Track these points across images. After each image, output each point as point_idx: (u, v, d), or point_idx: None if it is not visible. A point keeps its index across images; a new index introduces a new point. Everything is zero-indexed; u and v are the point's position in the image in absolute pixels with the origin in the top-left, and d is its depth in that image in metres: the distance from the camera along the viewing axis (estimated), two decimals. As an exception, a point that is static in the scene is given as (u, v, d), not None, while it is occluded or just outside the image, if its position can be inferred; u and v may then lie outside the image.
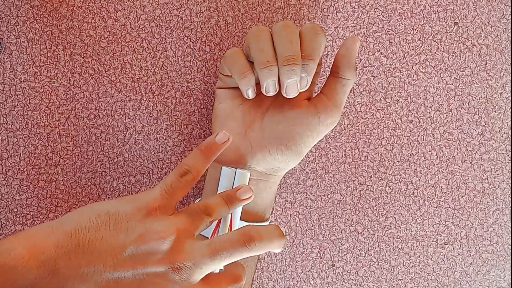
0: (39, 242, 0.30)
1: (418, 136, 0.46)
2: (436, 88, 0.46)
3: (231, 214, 0.38)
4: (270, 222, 0.46)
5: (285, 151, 0.39)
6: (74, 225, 0.31)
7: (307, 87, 0.36)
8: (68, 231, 0.31)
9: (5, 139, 0.45)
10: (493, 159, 0.46)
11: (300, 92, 0.38)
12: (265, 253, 0.46)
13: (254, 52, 0.36)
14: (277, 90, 0.36)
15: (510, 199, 0.47)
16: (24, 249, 0.29)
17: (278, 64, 0.35)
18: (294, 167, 0.46)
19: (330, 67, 0.40)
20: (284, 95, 0.36)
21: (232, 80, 0.39)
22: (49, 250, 0.30)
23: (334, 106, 0.39)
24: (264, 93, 0.37)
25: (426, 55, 0.46)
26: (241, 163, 0.40)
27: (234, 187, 0.39)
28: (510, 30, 0.46)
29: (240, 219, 0.39)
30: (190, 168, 0.35)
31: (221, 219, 0.38)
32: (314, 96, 0.40)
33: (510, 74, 0.46)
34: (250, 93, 0.37)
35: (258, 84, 0.38)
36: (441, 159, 0.46)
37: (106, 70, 0.45)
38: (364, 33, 0.46)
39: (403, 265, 0.47)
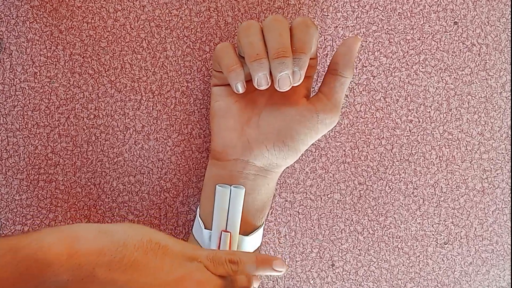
0: (82, 244, 0.29)
1: (418, 135, 0.46)
2: (436, 88, 0.46)
3: (230, 234, 0.39)
4: (270, 221, 0.46)
5: (282, 147, 0.39)
6: (124, 239, 0.30)
7: (300, 81, 0.36)
8: (116, 242, 0.29)
9: (5, 139, 0.45)
10: (492, 159, 0.46)
11: (296, 88, 0.38)
12: (265, 252, 0.46)
13: (244, 46, 0.36)
14: (269, 84, 0.36)
15: (509, 199, 0.47)
16: (64, 247, 0.28)
17: (269, 57, 0.35)
18: (294, 167, 0.46)
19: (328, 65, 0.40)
20: (277, 89, 0.36)
21: (225, 76, 0.39)
22: (91, 255, 0.28)
23: (333, 105, 0.39)
24: (256, 87, 0.36)
25: (426, 55, 0.46)
26: (239, 159, 0.40)
27: (230, 204, 0.39)
28: (509, 30, 0.46)
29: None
30: (240, 263, 0.34)
31: (220, 239, 0.39)
32: (313, 94, 0.40)
33: (510, 74, 0.46)
34: (240, 88, 0.37)
35: (250, 81, 0.38)
36: (441, 158, 0.46)
37: (106, 70, 0.45)
38: (363, 33, 0.46)
39: (403, 265, 0.47)
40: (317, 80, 0.46)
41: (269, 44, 0.36)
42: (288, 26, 0.36)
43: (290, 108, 0.39)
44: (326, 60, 0.46)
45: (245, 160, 0.40)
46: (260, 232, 0.41)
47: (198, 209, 0.42)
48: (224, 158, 0.40)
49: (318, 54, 0.44)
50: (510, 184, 0.46)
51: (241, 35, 0.36)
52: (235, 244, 0.39)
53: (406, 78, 0.46)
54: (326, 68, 0.46)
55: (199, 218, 0.41)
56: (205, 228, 0.40)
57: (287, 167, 0.46)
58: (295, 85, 0.36)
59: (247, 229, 0.40)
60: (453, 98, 0.46)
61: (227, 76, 0.37)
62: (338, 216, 0.46)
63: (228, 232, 0.39)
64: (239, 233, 0.40)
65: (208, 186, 0.41)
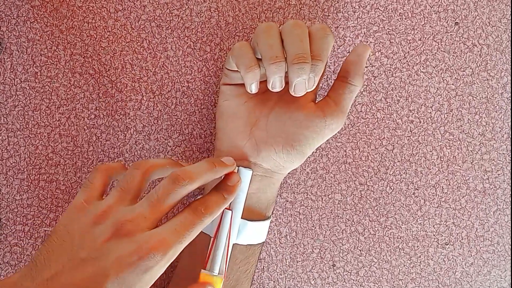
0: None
1: (419, 136, 0.46)
2: (437, 88, 0.46)
3: (231, 212, 0.38)
4: (270, 221, 0.46)
5: (290, 151, 0.39)
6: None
7: (314, 87, 0.36)
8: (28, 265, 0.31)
9: (5, 139, 0.45)
10: (494, 159, 0.46)
11: (306, 92, 0.38)
12: (266, 253, 0.46)
13: (263, 47, 0.36)
14: (283, 87, 0.37)
15: (510, 199, 0.46)
16: None
17: (288, 62, 0.35)
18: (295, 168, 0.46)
19: (338, 71, 0.40)
20: (292, 94, 0.36)
21: (237, 76, 0.39)
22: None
23: (341, 111, 0.39)
24: (270, 89, 0.37)
25: (427, 55, 0.46)
26: (246, 160, 0.40)
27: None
28: (510, 30, 0.46)
29: (242, 217, 0.39)
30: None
31: (221, 218, 0.39)
32: (320, 99, 0.40)
33: (511, 74, 0.46)
34: (254, 88, 0.37)
35: (262, 82, 0.38)
36: (442, 159, 0.46)
37: (107, 70, 0.45)
38: (364, 33, 0.45)
39: (404, 265, 0.47)
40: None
41: (289, 48, 0.36)
42: (307, 33, 0.36)
43: (299, 113, 0.39)
44: (327, 60, 0.45)
45: (252, 162, 0.40)
46: (265, 224, 0.41)
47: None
48: None
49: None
50: (511, 185, 0.46)
51: (260, 36, 0.36)
52: (236, 225, 0.39)
53: (407, 78, 0.46)
54: (327, 71, 0.46)
55: None
56: None
57: (288, 168, 0.46)
58: (308, 90, 0.36)
59: (249, 218, 0.40)
60: (454, 98, 0.46)
61: (244, 75, 0.37)
62: (339, 217, 0.46)
63: (230, 210, 0.39)
64: (243, 218, 0.39)
65: (210, 185, 0.41)
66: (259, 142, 0.40)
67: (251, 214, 0.40)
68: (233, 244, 0.39)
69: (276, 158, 0.39)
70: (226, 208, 0.39)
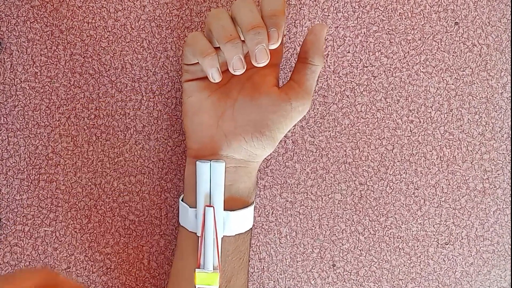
0: None
1: (419, 136, 0.46)
2: (437, 88, 0.46)
3: (213, 208, 0.39)
4: (270, 221, 0.46)
5: (260, 138, 0.39)
6: None
7: (279, 41, 0.36)
8: None
9: (5, 139, 0.45)
10: (493, 159, 0.46)
11: (266, 78, 0.38)
12: (266, 253, 0.46)
13: (216, 30, 0.36)
14: (245, 67, 0.36)
15: (510, 199, 0.47)
16: None
17: (243, 35, 0.35)
18: (295, 167, 0.46)
19: (298, 53, 0.40)
20: (255, 64, 0.36)
21: (197, 68, 0.39)
22: None
23: (305, 92, 0.39)
24: (232, 72, 0.36)
25: (427, 55, 0.46)
26: (218, 154, 0.40)
27: (211, 179, 0.39)
28: (510, 30, 0.46)
29: (224, 208, 0.40)
30: None
31: (204, 215, 0.39)
32: (283, 84, 0.40)
33: (510, 74, 0.46)
34: (216, 75, 0.37)
35: (223, 73, 0.38)
36: (442, 159, 0.46)
37: (107, 70, 0.45)
38: (364, 33, 0.46)
39: (404, 265, 0.47)
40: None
41: (241, 22, 0.35)
42: (255, 6, 0.36)
43: (263, 98, 0.39)
44: (327, 60, 0.46)
45: (224, 155, 0.40)
46: (248, 211, 0.41)
47: (180, 200, 0.42)
48: (202, 155, 0.40)
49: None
50: (511, 185, 0.46)
51: (211, 21, 0.36)
52: (220, 219, 0.39)
53: (407, 78, 0.46)
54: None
55: (183, 203, 0.41)
56: (190, 208, 0.40)
57: (286, 167, 0.46)
58: (273, 47, 0.36)
59: (234, 208, 0.40)
60: (454, 98, 0.46)
61: (202, 62, 0.37)
62: (339, 217, 0.46)
63: (211, 206, 0.39)
64: (226, 209, 0.40)
65: (189, 184, 0.41)
66: (228, 134, 0.39)
67: (234, 204, 0.40)
68: (222, 237, 0.40)
69: (247, 147, 0.39)
70: (206, 206, 0.39)
